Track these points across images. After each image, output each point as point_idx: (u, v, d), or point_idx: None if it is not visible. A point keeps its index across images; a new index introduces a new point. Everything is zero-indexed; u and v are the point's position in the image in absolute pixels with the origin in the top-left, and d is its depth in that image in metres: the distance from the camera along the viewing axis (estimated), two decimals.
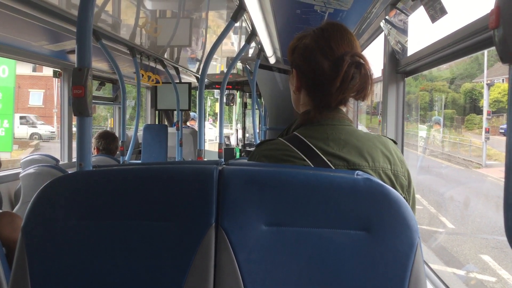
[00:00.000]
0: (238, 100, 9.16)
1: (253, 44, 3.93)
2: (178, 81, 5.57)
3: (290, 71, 1.24)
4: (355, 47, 1.16)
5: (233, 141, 10.03)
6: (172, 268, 0.84)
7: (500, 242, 6.81)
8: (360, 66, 1.10)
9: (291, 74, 1.24)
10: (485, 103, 12.64)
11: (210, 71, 6.43)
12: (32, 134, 20.01)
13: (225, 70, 6.39)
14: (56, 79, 4.23)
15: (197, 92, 3.15)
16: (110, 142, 3.90)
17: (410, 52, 2.23)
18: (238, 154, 5.61)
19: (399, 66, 2.33)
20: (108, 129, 6.07)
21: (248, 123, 8.63)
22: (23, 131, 19.53)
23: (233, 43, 4.71)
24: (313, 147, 1.08)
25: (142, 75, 4.36)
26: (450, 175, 12.23)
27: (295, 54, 1.20)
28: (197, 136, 3.22)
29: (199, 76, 5.13)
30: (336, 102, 1.14)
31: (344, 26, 1.19)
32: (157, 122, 6.80)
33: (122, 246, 0.85)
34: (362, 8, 2.44)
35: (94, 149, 3.88)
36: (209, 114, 20.26)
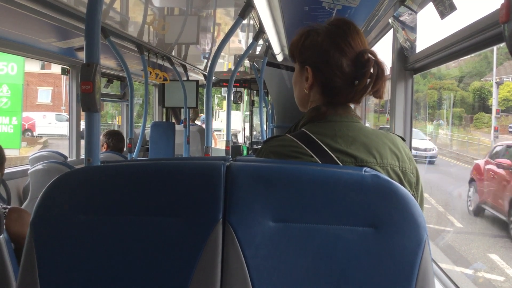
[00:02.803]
0: (246, 98, 9.15)
1: (260, 42, 3.93)
2: (185, 78, 5.57)
3: (298, 68, 1.22)
4: (366, 44, 1.16)
5: (240, 139, 10.03)
6: (179, 264, 0.84)
7: (509, 241, 6.76)
8: (377, 64, 1.10)
9: (299, 71, 1.21)
10: (494, 102, 12.54)
11: (217, 68, 6.45)
12: None
13: (232, 68, 6.40)
14: (65, 76, 4.25)
15: (205, 89, 3.15)
16: (120, 139, 3.94)
17: (419, 49, 2.21)
18: (245, 152, 5.61)
19: (408, 63, 2.31)
20: (116, 127, 6.11)
21: (256, 121, 8.63)
22: None
23: (240, 40, 4.71)
24: (321, 144, 1.07)
25: (150, 73, 4.37)
26: (458, 173, 12.15)
27: (308, 51, 1.17)
28: (204, 133, 3.23)
29: (206, 73, 5.13)
30: (354, 99, 1.14)
31: (354, 23, 1.18)
32: (164, 120, 6.81)
33: (129, 241, 0.86)
34: (371, 4, 2.43)
35: (103, 146, 3.90)
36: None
